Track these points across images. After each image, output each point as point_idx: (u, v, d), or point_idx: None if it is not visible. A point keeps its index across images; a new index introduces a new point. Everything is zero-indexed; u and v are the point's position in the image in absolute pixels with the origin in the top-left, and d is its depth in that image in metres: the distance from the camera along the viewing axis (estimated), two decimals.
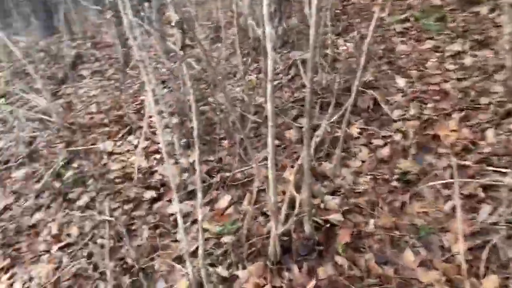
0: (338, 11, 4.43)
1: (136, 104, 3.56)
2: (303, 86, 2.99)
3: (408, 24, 3.66)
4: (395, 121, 2.38)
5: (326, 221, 1.80)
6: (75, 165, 2.72)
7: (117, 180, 2.48)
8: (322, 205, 1.91)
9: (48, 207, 2.40)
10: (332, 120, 2.29)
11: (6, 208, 2.50)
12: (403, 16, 3.81)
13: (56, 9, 6.60)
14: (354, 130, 2.39)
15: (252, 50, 4.03)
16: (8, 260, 2.02)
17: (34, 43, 6.63)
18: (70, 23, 6.58)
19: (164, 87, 3.62)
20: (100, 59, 5.27)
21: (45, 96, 3.60)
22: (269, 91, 1.40)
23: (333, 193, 1.98)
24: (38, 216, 2.35)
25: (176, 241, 1.90)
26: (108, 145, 2.94)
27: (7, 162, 3.05)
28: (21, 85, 4.80)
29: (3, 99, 4.25)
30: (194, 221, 1.96)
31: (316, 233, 1.73)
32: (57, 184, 2.55)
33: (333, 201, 1.92)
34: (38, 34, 6.97)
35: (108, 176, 2.53)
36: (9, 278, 1.91)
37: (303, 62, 3.28)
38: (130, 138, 2.98)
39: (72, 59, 5.55)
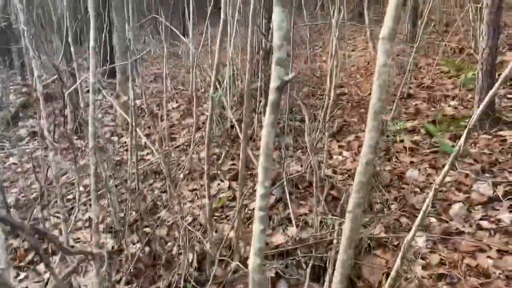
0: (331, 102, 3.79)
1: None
2: (289, 221, 2.23)
3: (417, 137, 3.03)
4: None
5: None
6: None
7: None
8: None
9: None
10: None
11: None
12: (410, 125, 3.19)
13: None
14: None
15: (229, 141, 3.29)
16: None
17: None
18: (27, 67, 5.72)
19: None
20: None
21: None
22: None
23: None
24: None
25: None
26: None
27: None
28: None
29: None
30: None
31: None
32: None
33: None
34: None
35: None
36: None
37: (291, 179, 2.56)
38: (40, 267, 2.12)
39: (15, 110, 4.69)
